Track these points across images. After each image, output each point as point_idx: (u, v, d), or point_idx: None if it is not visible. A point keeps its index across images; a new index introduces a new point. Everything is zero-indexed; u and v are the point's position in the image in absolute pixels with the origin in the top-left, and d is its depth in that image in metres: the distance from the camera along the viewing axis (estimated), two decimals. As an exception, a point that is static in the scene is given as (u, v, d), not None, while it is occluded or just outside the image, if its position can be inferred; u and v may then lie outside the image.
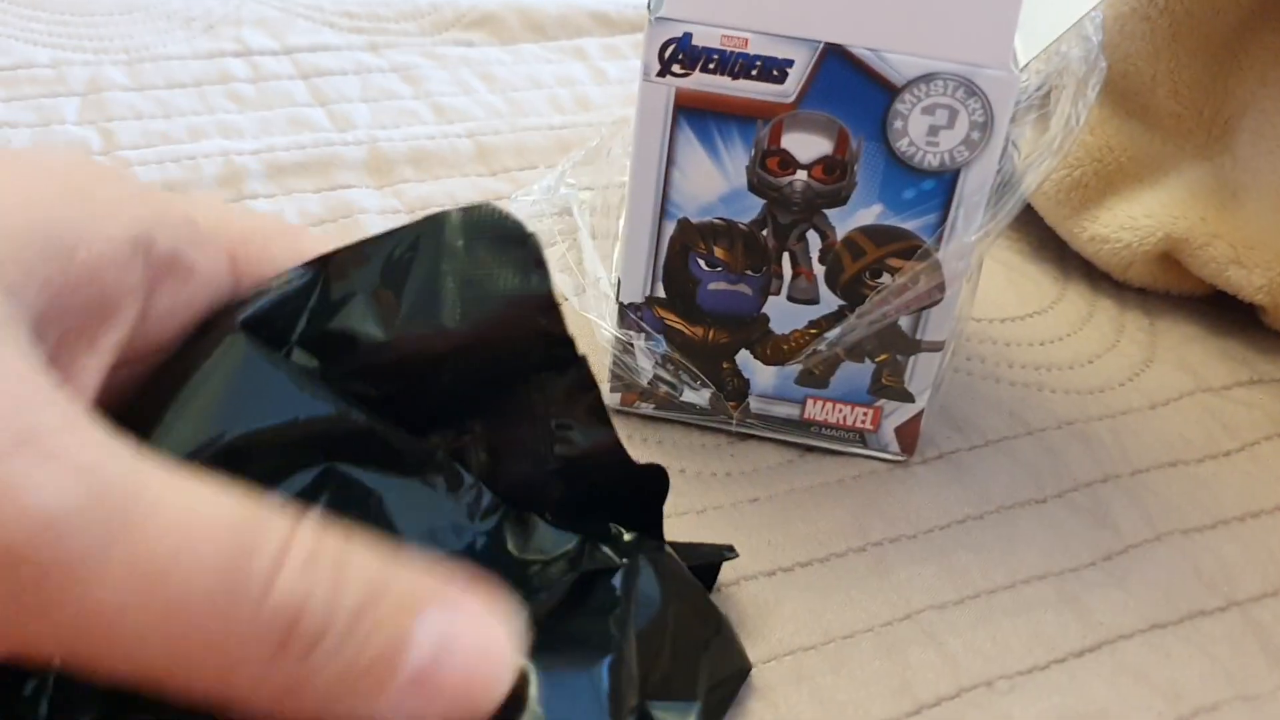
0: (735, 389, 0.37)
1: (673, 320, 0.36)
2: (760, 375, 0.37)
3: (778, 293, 0.35)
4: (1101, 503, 0.37)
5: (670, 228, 0.35)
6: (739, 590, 0.33)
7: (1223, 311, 0.48)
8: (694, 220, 0.34)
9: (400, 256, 0.25)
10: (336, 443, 0.24)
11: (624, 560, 0.27)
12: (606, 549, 0.27)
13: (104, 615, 0.19)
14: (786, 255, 0.34)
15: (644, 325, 0.37)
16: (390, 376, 0.25)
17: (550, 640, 0.24)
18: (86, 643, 0.19)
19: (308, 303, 0.25)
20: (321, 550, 0.20)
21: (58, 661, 0.20)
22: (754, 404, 0.38)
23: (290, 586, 0.20)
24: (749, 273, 0.35)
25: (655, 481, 0.29)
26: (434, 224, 0.26)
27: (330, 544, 0.21)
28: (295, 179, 0.49)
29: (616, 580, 0.27)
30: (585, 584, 0.27)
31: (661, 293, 0.36)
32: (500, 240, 0.25)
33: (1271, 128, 0.45)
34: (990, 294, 0.49)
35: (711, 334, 0.36)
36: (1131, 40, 0.48)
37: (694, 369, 0.36)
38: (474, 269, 0.25)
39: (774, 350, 0.36)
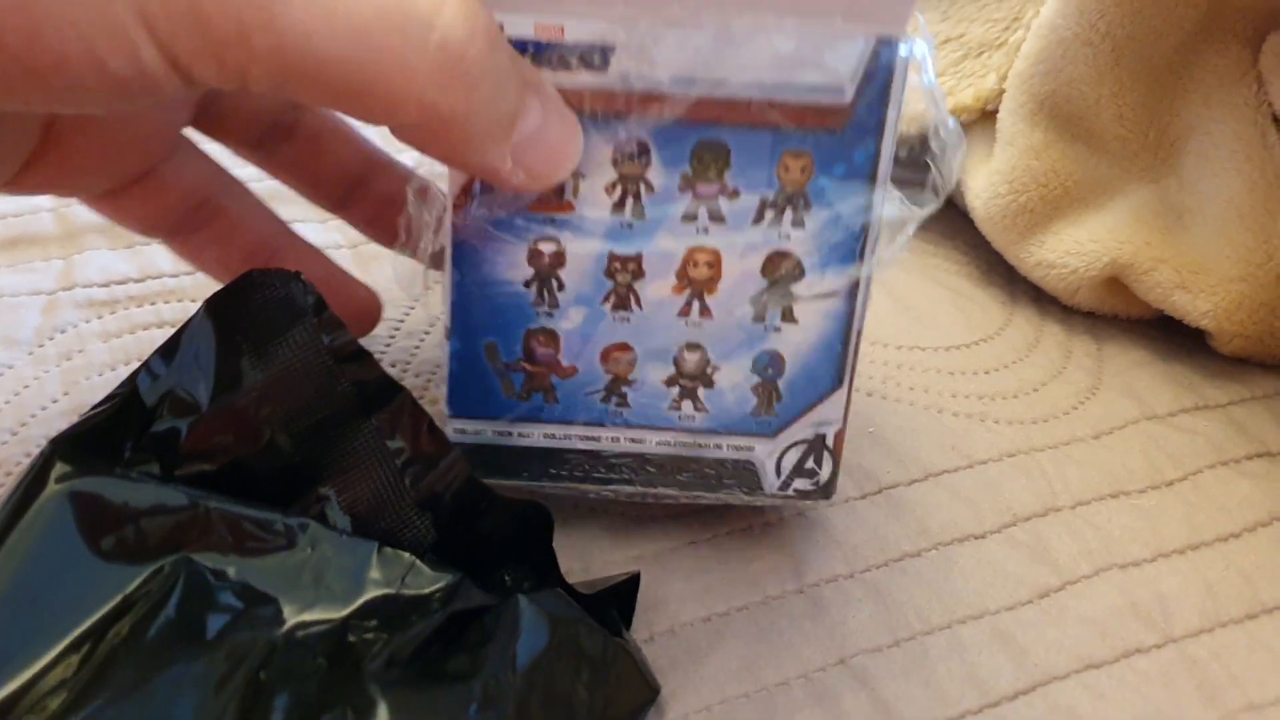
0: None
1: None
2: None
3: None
4: (1041, 537, 0.38)
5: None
6: (673, 638, 0.33)
7: (1171, 335, 0.48)
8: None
9: (197, 342, 0.27)
10: (189, 533, 0.25)
11: (506, 598, 0.27)
12: (484, 591, 0.27)
13: (295, 39, 0.23)
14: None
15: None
16: (222, 453, 0.27)
17: (416, 678, 0.24)
18: (283, 65, 0.24)
19: (130, 414, 0.27)
20: (475, 7, 0.26)
21: (264, 86, 0.24)
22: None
23: (453, 22, 0.25)
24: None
25: (538, 518, 0.29)
26: (223, 301, 0.28)
27: (480, 8, 0.26)
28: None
29: (495, 618, 0.27)
30: (459, 622, 0.27)
31: None
32: (285, 302, 0.27)
33: (1216, 150, 0.45)
34: (938, 320, 0.49)
35: None
36: (1074, 65, 0.48)
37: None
38: (267, 337, 0.27)
39: None
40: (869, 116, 0.34)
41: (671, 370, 0.37)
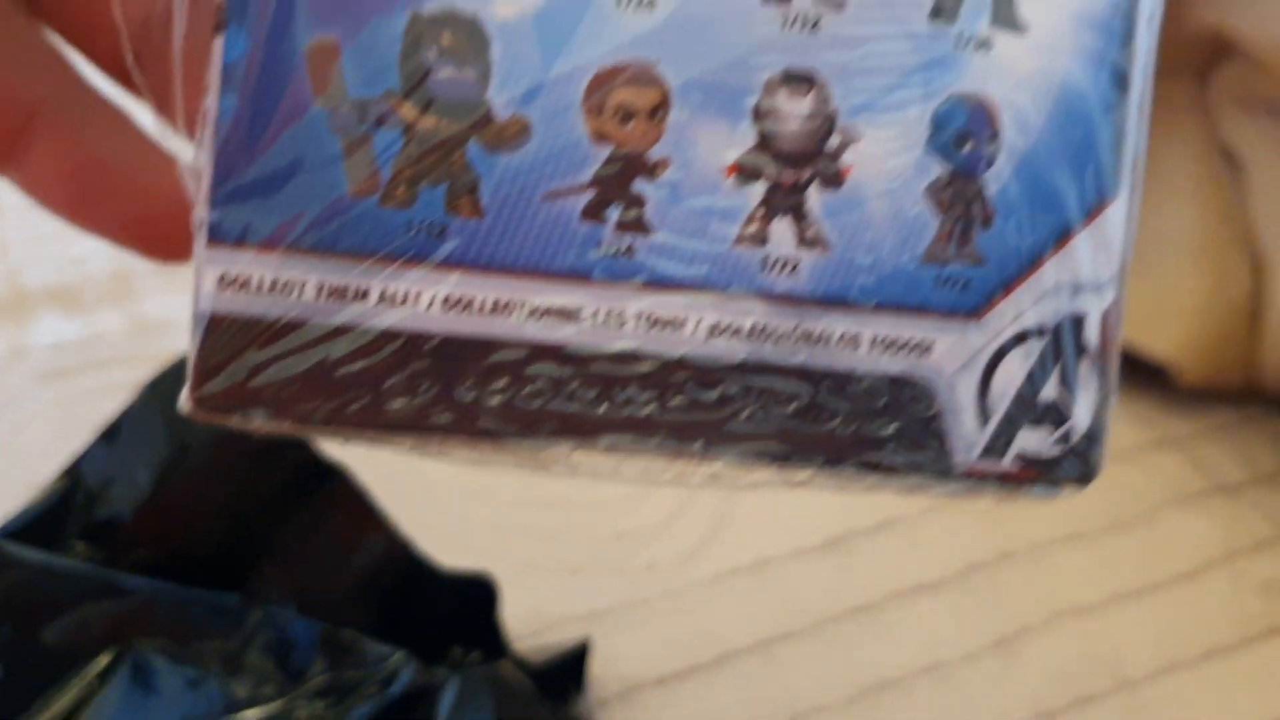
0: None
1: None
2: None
3: None
4: (998, 583, 0.35)
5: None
6: (626, 703, 0.30)
7: (1129, 369, 0.42)
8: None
9: (138, 425, 0.27)
10: (133, 620, 0.25)
11: (451, 675, 0.25)
12: (430, 667, 0.25)
13: None
14: None
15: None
16: (166, 539, 0.26)
17: None
18: None
19: (71, 501, 0.26)
20: None
21: None
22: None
23: None
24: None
25: (482, 591, 0.28)
26: (163, 382, 0.27)
27: None
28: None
29: (441, 695, 0.25)
30: (405, 701, 0.24)
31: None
32: None
33: (1167, 183, 0.42)
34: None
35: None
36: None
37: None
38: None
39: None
40: None
41: (748, 138, 0.16)
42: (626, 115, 0.16)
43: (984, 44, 0.16)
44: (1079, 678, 0.34)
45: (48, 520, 0.26)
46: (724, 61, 0.16)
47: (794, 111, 0.16)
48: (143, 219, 0.23)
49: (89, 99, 0.23)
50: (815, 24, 0.16)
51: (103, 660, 0.24)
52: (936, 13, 0.16)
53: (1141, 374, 0.45)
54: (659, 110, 0.16)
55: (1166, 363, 0.43)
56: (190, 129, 0.17)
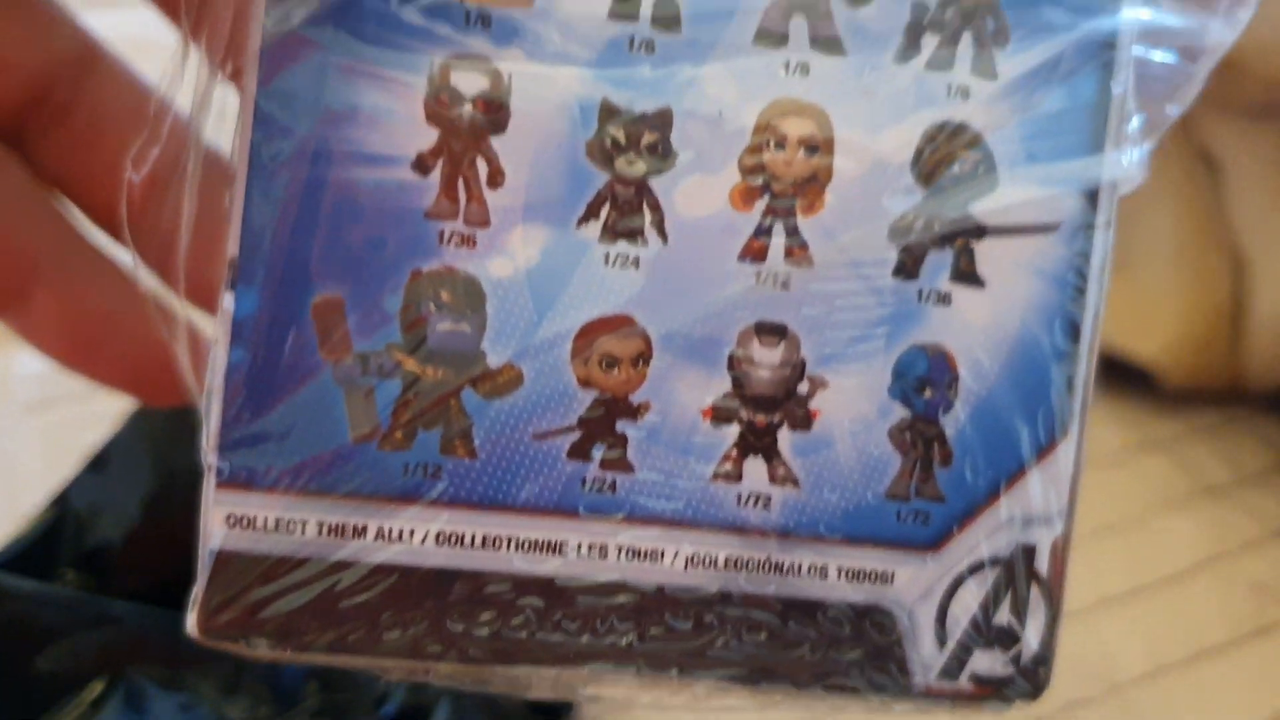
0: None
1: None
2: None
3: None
4: None
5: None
6: None
7: (1114, 373, 0.43)
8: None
9: (127, 456, 0.27)
10: (127, 649, 0.25)
11: (441, 695, 0.25)
12: (421, 688, 0.25)
13: None
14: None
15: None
16: (158, 567, 0.24)
17: None
18: None
19: (61, 530, 0.27)
20: None
21: None
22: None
23: None
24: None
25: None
26: (145, 413, 0.28)
27: None
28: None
29: (431, 718, 0.25)
30: None
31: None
32: None
33: (1147, 188, 0.38)
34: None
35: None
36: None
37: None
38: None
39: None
40: None
41: (723, 384, 0.17)
42: (611, 363, 0.17)
43: (944, 298, 0.17)
44: (1069, 682, 0.31)
45: (38, 549, 0.26)
46: (702, 314, 0.17)
47: (766, 360, 0.17)
48: (140, 370, 0.23)
49: (87, 252, 0.23)
50: (786, 281, 0.17)
51: (96, 688, 0.24)
52: (900, 270, 0.17)
53: (1127, 377, 0.44)
54: (641, 359, 0.17)
55: (1151, 366, 0.43)
56: (191, 296, 0.18)
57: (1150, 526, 0.39)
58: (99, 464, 0.28)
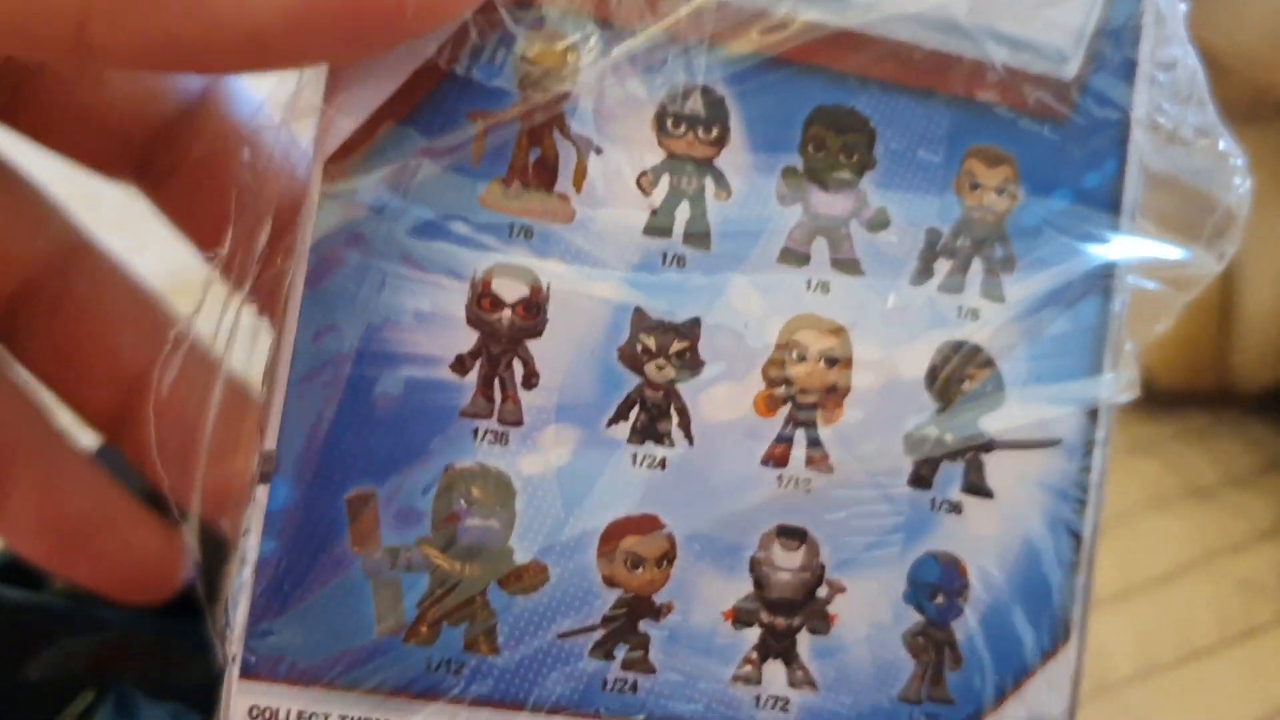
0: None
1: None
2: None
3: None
4: None
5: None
6: None
7: None
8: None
9: (114, 461, 0.25)
10: (113, 657, 0.24)
11: None
12: None
13: None
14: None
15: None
16: None
17: None
18: None
19: None
20: None
21: None
22: None
23: None
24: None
25: None
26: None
27: None
28: None
29: None
30: None
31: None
32: None
33: None
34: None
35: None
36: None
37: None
38: None
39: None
40: (1105, 107, 0.19)
41: (744, 586, 0.18)
42: (636, 563, 0.17)
43: (955, 508, 0.18)
44: None
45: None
46: (725, 516, 0.18)
47: (787, 564, 0.18)
48: (120, 572, 0.23)
49: (66, 453, 0.23)
50: (808, 487, 0.18)
51: (87, 698, 0.24)
52: (914, 480, 0.18)
53: None
54: (666, 559, 0.17)
55: (1140, 367, 0.43)
56: (176, 495, 0.18)
57: (1139, 527, 0.39)
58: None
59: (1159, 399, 0.42)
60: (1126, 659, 0.34)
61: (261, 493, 0.17)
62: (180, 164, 0.22)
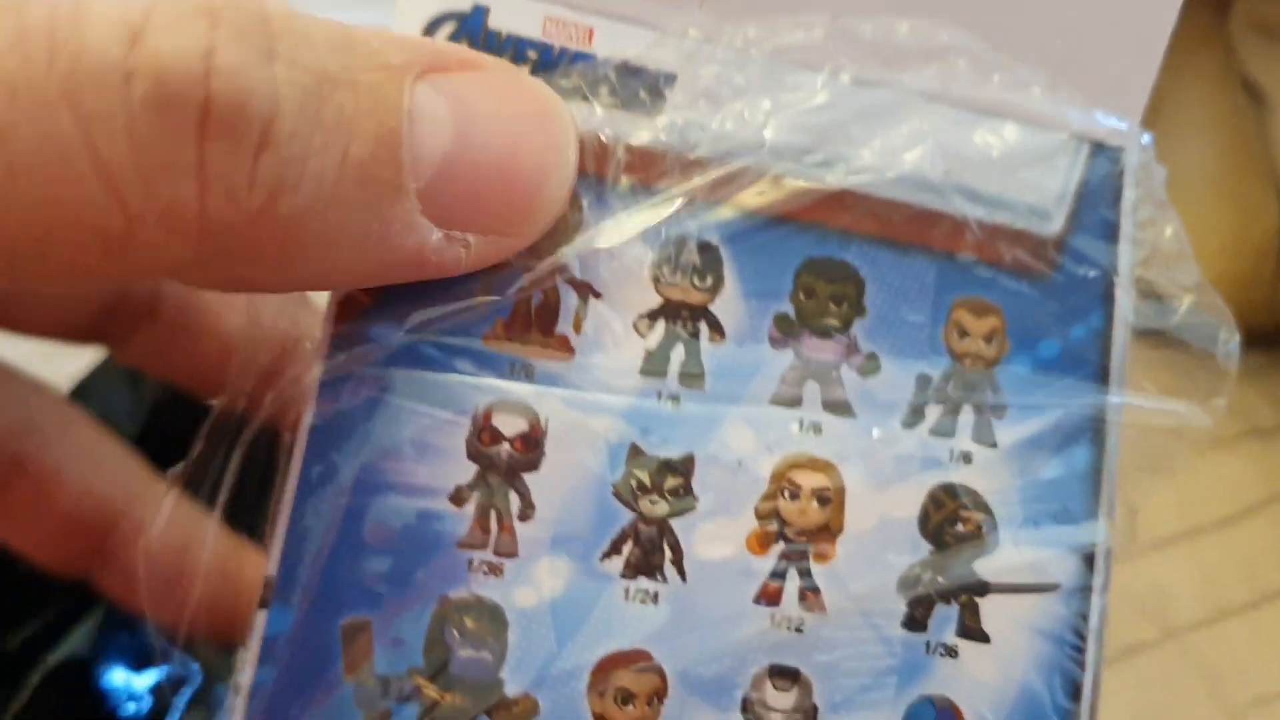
0: None
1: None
2: None
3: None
4: None
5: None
6: None
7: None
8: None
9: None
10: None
11: None
12: None
13: None
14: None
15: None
16: None
17: None
18: None
19: None
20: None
21: None
22: None
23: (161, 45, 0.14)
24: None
25: None
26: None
27: None
28: None
29: None
30: None
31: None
32: None
33: (1188, 120, 0.40)
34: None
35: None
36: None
37: None
38: None
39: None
40: (1087, 265, 0.20)
41: (736, 726, 0.17)
42: (627, 698, 0.17)
43: (951, 651, 0.18)
44: (1126, 626, 0.34)
45: None
46: (717, 653, 0.18)
47: (779, 704, 0.17)
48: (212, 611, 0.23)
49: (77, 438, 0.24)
50: (800, 625, 0.18)
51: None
52: (908, 623, 0.18)
53: None
54: (657, 696, 0.17)
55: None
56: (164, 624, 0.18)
57: (1200, 468, 0.36)
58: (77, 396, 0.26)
59: (1213, 339, 0.43)
60: (1193, 602, 0.34)
61: (260, 618, 0.17)
62: (147, 321, 0.23)
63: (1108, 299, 0.19)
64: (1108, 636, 0.19)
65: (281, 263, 0.15)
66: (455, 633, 0.17)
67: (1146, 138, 0.20)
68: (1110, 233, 0.20)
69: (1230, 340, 0.20)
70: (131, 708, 0.25)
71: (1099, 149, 0.20)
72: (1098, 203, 0.20)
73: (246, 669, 0.17)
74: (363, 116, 0.15)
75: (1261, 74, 0.40)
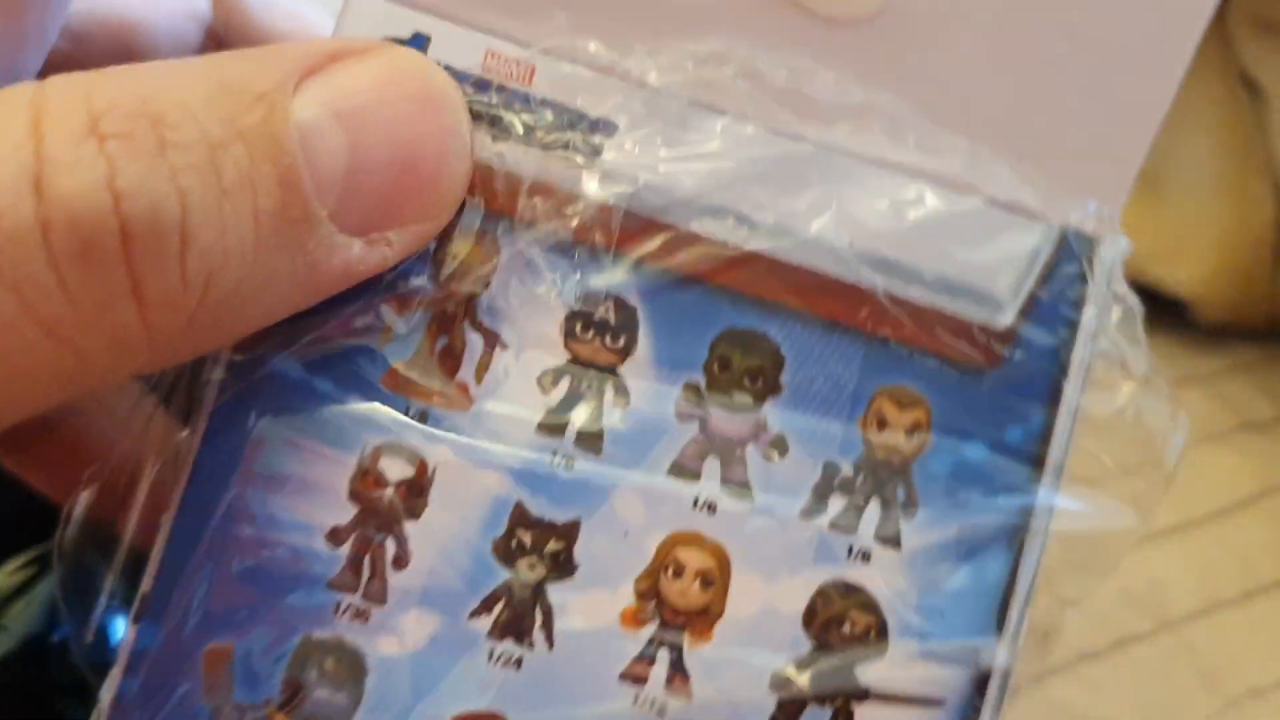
0: None
1: None
2: None
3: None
4: None
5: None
6: None
7: (1148, 307, 0.39)
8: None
9: None
10: None
11: None
12: None
13: None
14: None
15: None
16: None
17: None
18: None
19: None
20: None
21: None
22: None
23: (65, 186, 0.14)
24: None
25: None
26: None
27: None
28: None
29: None
30: None
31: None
32: None
33: (1187, 113, 0.38)
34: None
35: None
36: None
37: None
38: None
39: None
40: (1040, 362, 0.18)
41: (583, 801, 0.17)
42: (476, 757, 0.17)
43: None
44: (1120, 619, 0.34)
45: None
46: (574, 726, 0.17)
47: (630, 786, 0.17)
48: None
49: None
50: (662, 709, 0.17)
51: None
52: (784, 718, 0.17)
53: (1160, 310, 0.42)
54: (506, 759, 0.17)
55: (1188, 298, 0.41)
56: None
57: (1194, 461, 0.40)
58: None
59: (1206, 333, 0.42)
60: (1187, 595, 0.34)
61: (131, 631, 0.17)
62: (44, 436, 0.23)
63: (1054, 398, 0.18)
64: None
65: (226, 330, 0.16)
66: (315, 672, 0.17)
67: (1124, 241, 0.19)
68: (1068, 327, 0.18)
69: (1178, 433, 0.19)
70: None
71: (1067, 237, 0.18)
72: (1058, 296, 0.18)
73: (114, 677, 0.17)
74: (259, 164, 0.15)
75: (1259, 69, 0.40)
